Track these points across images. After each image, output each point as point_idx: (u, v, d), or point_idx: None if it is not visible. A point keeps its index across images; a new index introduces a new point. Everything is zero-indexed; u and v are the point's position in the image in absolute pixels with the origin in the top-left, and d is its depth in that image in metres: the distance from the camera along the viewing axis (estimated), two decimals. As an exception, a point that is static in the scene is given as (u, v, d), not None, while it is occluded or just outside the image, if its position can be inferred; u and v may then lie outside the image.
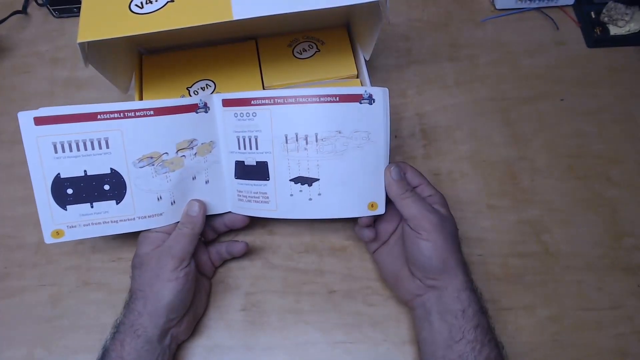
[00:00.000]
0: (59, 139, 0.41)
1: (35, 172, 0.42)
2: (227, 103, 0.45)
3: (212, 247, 0.49)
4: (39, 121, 0.41)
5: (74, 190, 0.43)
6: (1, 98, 0.59)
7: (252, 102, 0.44)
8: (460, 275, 0.42)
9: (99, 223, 0.44)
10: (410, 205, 0.43)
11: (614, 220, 0.52)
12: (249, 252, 0.50)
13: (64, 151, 0.42)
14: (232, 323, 0.47)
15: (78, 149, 0.42)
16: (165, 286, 0.41)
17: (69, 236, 0.43)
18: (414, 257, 0.43)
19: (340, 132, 0.44)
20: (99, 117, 0.42)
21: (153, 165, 0.44)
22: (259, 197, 0.46)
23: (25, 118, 0.41)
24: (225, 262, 0.50)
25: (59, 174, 0.42)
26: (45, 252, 0.51)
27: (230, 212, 0.48)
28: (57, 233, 0.43)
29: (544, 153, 0.55)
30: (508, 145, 0.56)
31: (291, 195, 0.45)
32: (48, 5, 0.62)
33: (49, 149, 0.41)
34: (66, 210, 0.43)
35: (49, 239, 0.43)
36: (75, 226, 0.43)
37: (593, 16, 0.62)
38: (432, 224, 0.41)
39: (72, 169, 0.42)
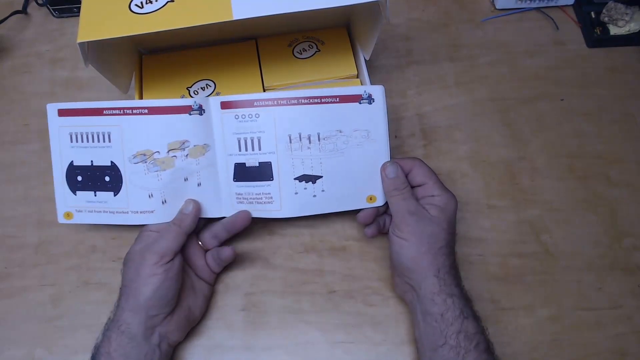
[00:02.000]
0: (74, 130, 0.46)
1: (55, 158, 0.46)
2: (226, 105, 0.46)
3: (208, 252, 0.48)
4: (61, 113, 0.46)
5: (82, 178, 0.47)
6: (1, 98, 0.59)
7: (255, 104, 0.45)
8: (431, 278, 0.42)
9: (100, 211, 0.47)
10: (394, 203, 0.45)
11: (614, 220, 0.52)
12: (248, 252, 0.50)
13: (77, 141, 0.46)
14: (232, 323, 0.47)
15: (87, 141, 0.46)
16: (145, 282, 0.41)
17: (77, 219, 0.47)
18: (390, 252, 0.45)
19: (341, 132, 0.45)
20: (104, 112, 0.45)
21: (145, 162, 0.45)
22: (261, 198, 0.46)
23: (52, 109, 0.46)
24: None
25: (72, 161, 0.46)
26: (46, 252, 0.51)
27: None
28: (68, 215, 0.47)
29: (543, 153, 0.55)
30: (508, 146, 0.56)
31: (296, 193, 0.46)
32: (48, 5, 0.62)
33: (66, 138, 0.46)
34: (76, 195, 0.47)
35: (62, 219, 0.47)
36: (82, 211, 0.47)
37: (593, 16, 0.62)
38: (407, 223, 0.43)
39: (82, 158, 0.46)
